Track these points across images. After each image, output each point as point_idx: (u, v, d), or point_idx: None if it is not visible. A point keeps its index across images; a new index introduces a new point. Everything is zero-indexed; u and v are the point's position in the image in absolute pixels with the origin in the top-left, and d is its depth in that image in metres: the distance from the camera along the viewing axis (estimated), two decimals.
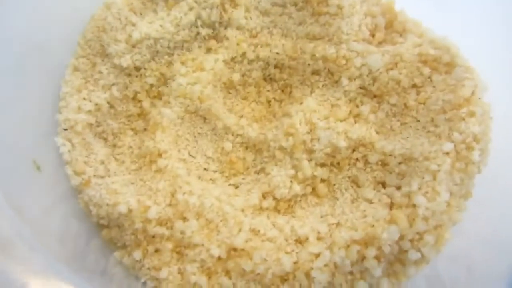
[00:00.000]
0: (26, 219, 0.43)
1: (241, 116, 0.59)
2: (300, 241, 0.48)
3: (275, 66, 0.61)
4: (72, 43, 0.59)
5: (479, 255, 0.52)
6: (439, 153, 0.50)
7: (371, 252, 0.46)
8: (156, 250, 0.49)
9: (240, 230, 0.48)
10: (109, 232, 0.52)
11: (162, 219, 0.49)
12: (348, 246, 0.47)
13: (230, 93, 0.61)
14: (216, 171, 0.56)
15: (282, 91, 0.62)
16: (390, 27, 0.61)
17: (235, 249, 0.48)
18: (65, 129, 0.55)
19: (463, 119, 0.51)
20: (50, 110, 0.55)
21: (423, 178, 0.49)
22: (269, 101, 0.62)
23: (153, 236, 0.49)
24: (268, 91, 0.62)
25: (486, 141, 0.52)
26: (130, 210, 0.49)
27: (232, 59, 0.61)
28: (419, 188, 0.49)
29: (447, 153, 0.50)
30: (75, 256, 0.49)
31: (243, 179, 0.55)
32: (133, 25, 0.58)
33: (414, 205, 0.48)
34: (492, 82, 0.54)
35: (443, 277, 0.51)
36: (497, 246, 0.52)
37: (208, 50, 0.61)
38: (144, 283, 0.49)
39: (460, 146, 0.50)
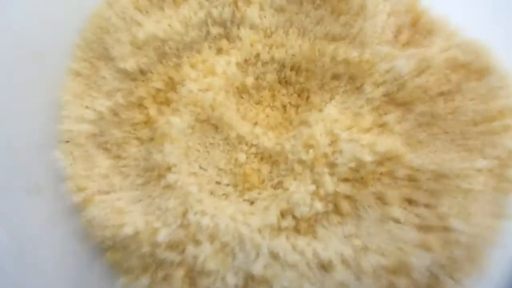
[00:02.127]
0: (21, 242, 0.39)
1: (255, 124, 0.55)
2: (324, 266, 0.45)
3: (291, 69, 0.57)
4: (71, 46, 0.54)
5: None
6: (471, 171, 0.46)
7: (401, 280, 0.43)
8: (166, 276, 0.45)
9: (258, 255, 0.44)
10: (114, 255, 0.48)
11: (173, 242, 0.45)
12: (375, 272, 0.44)
13: (242, 97, 0.57)
14: (229, 185, 0.52)
15: (299, 95, 0.57)
16: (414, 28, 0.57)
17: (253, 277, 0.44)
18: (67, 141, 0.50)
19: (497, 133, 0.48)
20: (49, 120, 0.51)
21: (455, 197, 0.46)
22: (284, 106, 0.58)
23: (163, 261, 0.45)
24: (284, 95, 0.58)
25: None
26: (137, 232, 0.45)
27: (245, 61, 0.56)
28: (450, 208, 0.45)
29: (480, 170, 0.46)
30: (75, 280, 0.45)
31: (259, 193, 0.51)
32: (139, 24, 0.53)
33: (446, 228, 0.44)
34: None
35: None
36: None
37: (219, 51, 0.56)
38: None
39: (494, 163, 0.47)
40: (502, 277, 0.47)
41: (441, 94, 0.51)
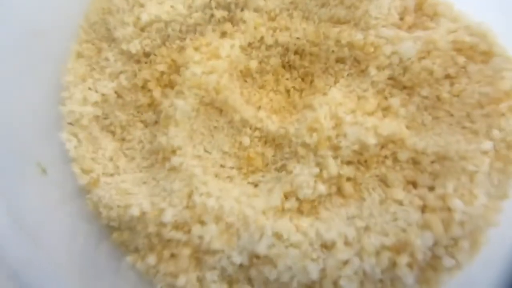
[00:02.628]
0: (30, 223, 0.40)
1: (259, 108, 0.55)
2: (327, 246, 0.45)
3: (295, 52, 0.57)
4: (74, 27, 0.54)
5: None
6: (477, 153, 0.46)
7: (403, 259, 0.43)
8: (172, 256, 0.46)
9: (262, 235, 0.45)
10: (121, 235, 0.48)
11: (178, 223, 0.46)
12: (378, 252, 0.44)
13: (246, 81, 0.57)
14: (233, 168, 0.52)
15: (303, 79, 0.57)
16: (420, 10, 0.57)
17: (257, 256, 0.44)
18: (70, 123, 0.50)
19: (503, 115, 0.47)
20: (52, 102, 0.51)
21: (459, 179, 0.46)
22: (288, 91, 0.57)
23: (169, 241, 0.46)
24: (287, 79, 0.57)
25: None
26: (143, 213, 0.46)
27: (249, 44, 0.56)
28: (455, 190, 0.45)
29: (486, 153, 0.46)
30: (84, 260, 0.46)
31: (263, 176, 0.51)
32: (142, 6, 0.53)
33: (449, 209, 0.44)
34: None
35: (476, 282, 0.48)
36: None
37: (223, 35, 0.56)
38: None
39: (500, 145, 0.47)
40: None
41: (447, 76, 0.51)
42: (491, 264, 0.47)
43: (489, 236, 0.45)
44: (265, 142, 0.53)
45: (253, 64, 0.55)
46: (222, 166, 0.52)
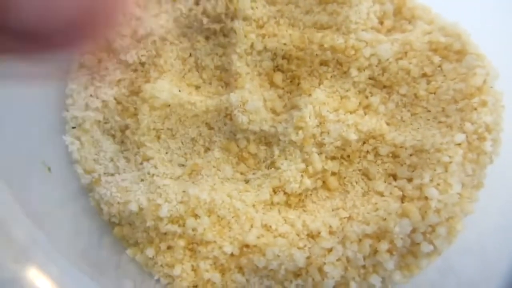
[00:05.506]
0: (37, 219, 0.43)
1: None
2: (312, 235, 0.48)
3: (283, 57, 0.60)
4: None
5: (491, 246, 0.52)
6: (451, 145, 0.49)
7: (384, 245, 0.46)
8: (169, 247, 0.49)
9: (252, 226, 0.48)
10: (121, 230, 0.52)
11: (174, 217, 0.49)
12: (360, 240, 0.47)
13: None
14: (226, 165, 0.56)
15: (291, 81, 0.61)
16: (399, 14, 0.60)
17: (247, 246, 0.48)
18: (73, 127, 0.54)
19: (475, 109, 0.50)
20: (56, 108, 0.55)
21: (435, 170, 0.49)
22: (278, 93, 0.61)
23: (165, 234, 0.49)
24: (277, 82, 0.61)
25: (498, 131, 0.51)
26: (141, 209, 0.49)
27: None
28: (431, 180, 0.48)
29: (459, 144, 0.49)
30: (87, 253, 0.49)
31: (254, 174, 0.55)
32: (138, 19, 0.57)
33: (426, 198, 0.47)
34: (503, 69, 0.53)
35: (455, 268, 0.51)
36: (510, 236, 0.52)
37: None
38: (158, 280, 0.50)
39: (472, 137, 0.49)
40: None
41: (424, 75, 0.54)
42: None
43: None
44: (258, 141, 0.56)
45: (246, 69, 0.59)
46: (215, 164, 0.55)
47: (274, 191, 0.52)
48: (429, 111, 0.53)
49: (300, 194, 0.52)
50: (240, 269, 0.48)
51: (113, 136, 0.57)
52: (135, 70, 0.58)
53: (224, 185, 0.52)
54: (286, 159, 0.53)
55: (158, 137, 0.56)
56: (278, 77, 0.60)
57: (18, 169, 0.47)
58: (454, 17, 0.56)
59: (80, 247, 0.49)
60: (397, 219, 0.47)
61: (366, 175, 0.53)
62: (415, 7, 0.59)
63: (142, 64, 0.58)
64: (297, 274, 0.47)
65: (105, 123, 0.57)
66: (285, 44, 0.58)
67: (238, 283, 0.47)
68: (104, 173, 0.54)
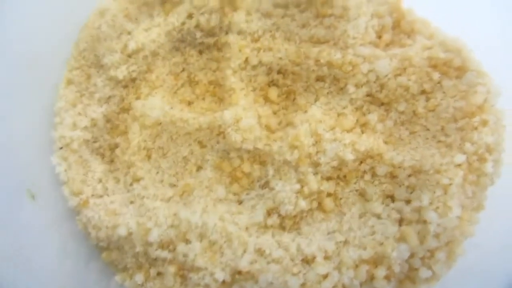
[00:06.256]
0: (20, 245, 0.42)
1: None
2: (307, 260, 0.47)
3: (278, 72, 0.58)
4: (65, 54, 0.56)
5: (491, 268, 0.51)
6: (451, 166, 0.48)
7: (381, 272, 0.45)
8: (159, 274, 0.48)
9: (244, 251, 0.47)
10: (110, 255, 0.50)
11: (164, 242, 0.48)
12: (356, 266, 0.46)
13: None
14: (219, 185, 0.54)
15: (286, 97, 0.59)
16: (398, 28, 0.58)
17: (239, 272, 0.46)
18: (61, 148, 0.52)
19: (476, 129, 0.49)
20: (44, 127, 0.53)
21: (434, 192, 0.47)
22: (273, 109, 0.59)
23: (155, 259, 0.48)
24: (272, 97, 0.59)
25: (499, 151, 0.50)
26: (130, 233, 0.48)
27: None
28: (430, 203, 0.47)
29: (459, 165, 0.48)
30: (74, 278, 0.48)
31: (247, 194, 0.53)
32: (129, 33, 0.55)
33: (424, 221, 0.46)
34: (505, 85, 0.51)
35: None
36: (510, 258, 0.50)
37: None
38: None
39: (473, 158, 0.48)
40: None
41: (423, 92, 0.52)
42: None
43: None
44: (251, 160, 0.55)
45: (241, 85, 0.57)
46: (207, 184, 0.54)
47: (268, 213, 0.51)
48: (428, 129, 0.52)
49: (295, 216, 0.51)
50: None
51: (102, 156, 0.56)
52: (126, 86, 0.57)
53: (217, 207, 0.51)
54: (280, 179, 0.52)
55: (149, 156, 0.54)
56: (273, 92, 0.59)
57: (2, 196, 0.45)
58: (455, 31, 0.54)
59: (66, 272, 0.48)
60: (394, 244, 0.46)
61: (363, 196, 0.52)
62: (414, 21, 0.57)
63: (133, 80, 0.57)
64: None
65: (94, 142, 0.56)
66: (280, 58, 0.57)
67: None
68: (92, 195, 0.52)
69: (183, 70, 0.59)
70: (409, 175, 0.50)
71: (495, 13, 0.61)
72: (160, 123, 0.54)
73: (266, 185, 0.53)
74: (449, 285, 0.49)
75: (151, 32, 0.56)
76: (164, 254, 0.47)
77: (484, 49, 0.52)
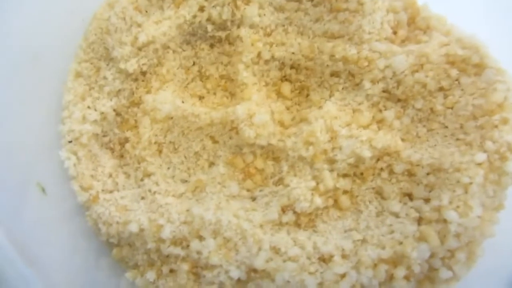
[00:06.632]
0: (29, 245, 0.40)
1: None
2: (324, 259, 0.46)
3: (291, 67, 0.57)
4: (73, 46, 0.55)
5: (509, 269, 0.50)
6: (471, 164, 0.47)
7: (401, 272, 0.44)
8: (171, 271, 0.46)
9: (259, 249, 0.45)
10: (120, 251, 0.49)
11: (177, 238, 0.47)
12: (375, 265, 0.44)
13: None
14: (232, 181, 0.53)
15: (299, 93, 0.58)
16: (413, 24, 0.57)
17: (255, 270, 0.45)
18: (70, 141, 0.51)
19: (496, 127, 0.48)
20: (52, 121, 0.52)
21: (454, 191, 0.46)
22: (286, 104, 0.58)
23: (168, 256, 0.46)
24: (285, 93, 0.58)
25: None
26: (141, 230, 0.46)
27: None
28: (450, 202, 0.46)
29: (480, 164, 0.47)
30: (84, 275, 0.46)
31: (261, 191, 0.52)
32: (139, 25, 0.54)
33: (445, 221, 0.45)
34: None
35: None
36: None
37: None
38: None
39: (494, 156, 0.47)
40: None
41: (440, 89, 0.51)
42: None
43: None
44: (265, 156, 0.53)
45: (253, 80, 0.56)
46: (220, 180, 0.52)
47: (283, 210, 0.49)
48: (447, 127, 0.51)
49: (310, 214, 0.50)
50: None
51: (112, 150, 0.54)
52: (136, 80, 0.55)
53: (230, 203, 0.49)
54: (295, 175, 0.51)
55: (160, 151, 0.53)
56: (286, 88, 0.57)
57: (11, 190, 0.44)
58: (470, 27, 0.53)
59: (76, 269, 0.46)
60: (414, 243, 0.44)
61: (380, 194, 0.50)
62: (429, 17, 0.56)
63: (143, 73, 0.55)
64: None
65: (104, 136, 0.54)
66: (293, 53, 0.56)
67: None
68: (102, 190, 0.51)
69: (194, 64, 0.58)
70: (428, 173, 0.49)
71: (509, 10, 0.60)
72: (171, 118, 0.53)
73: (280, 181, 0.52)
74: (467, 285, 0.48)
75: (162, 25, 0.55)
76: (177, 251, 0.46)
77: (499, 46, 0.51)
